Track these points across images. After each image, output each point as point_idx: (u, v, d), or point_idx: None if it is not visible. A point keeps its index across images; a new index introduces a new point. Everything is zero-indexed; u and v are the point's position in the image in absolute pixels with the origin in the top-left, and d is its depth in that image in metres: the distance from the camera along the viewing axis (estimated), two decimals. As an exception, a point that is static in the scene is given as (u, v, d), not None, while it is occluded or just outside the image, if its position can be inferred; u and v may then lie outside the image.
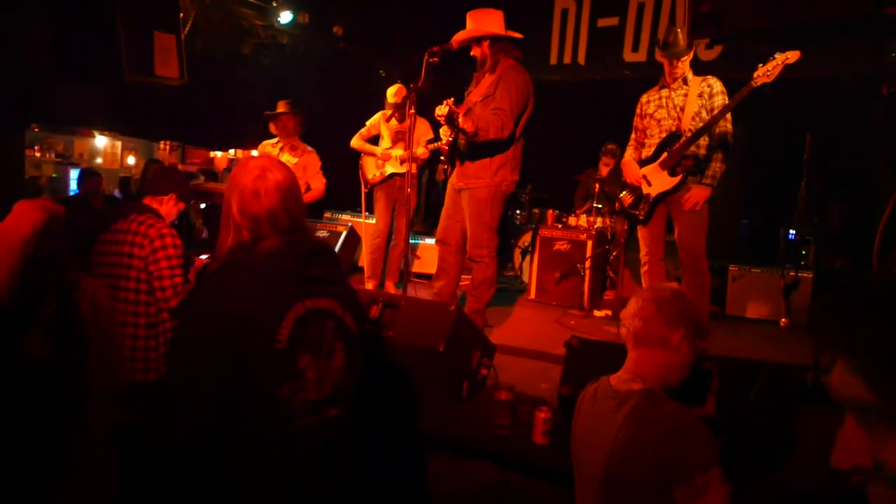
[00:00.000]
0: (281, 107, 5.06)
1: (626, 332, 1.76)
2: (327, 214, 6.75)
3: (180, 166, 8.81)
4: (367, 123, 5.39)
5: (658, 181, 3.80)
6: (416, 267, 6.13)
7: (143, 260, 2.55)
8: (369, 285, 5.21)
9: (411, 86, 3.74)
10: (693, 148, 3.70)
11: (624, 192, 3.99)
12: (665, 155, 3.77)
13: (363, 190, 5.40)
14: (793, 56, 3.24)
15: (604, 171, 6.46)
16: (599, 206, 5.93)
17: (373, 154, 5.30)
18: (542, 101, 3.99)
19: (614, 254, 5.61)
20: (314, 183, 5.16)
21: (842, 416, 0.75)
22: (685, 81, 3.79)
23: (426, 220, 8.13)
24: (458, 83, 4.36)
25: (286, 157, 5.08)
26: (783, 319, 4.84)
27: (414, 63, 3.96)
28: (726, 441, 1.93)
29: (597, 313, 5.24)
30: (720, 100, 3.68)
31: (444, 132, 3.95)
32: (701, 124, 3.66)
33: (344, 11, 7.17)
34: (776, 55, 3.28)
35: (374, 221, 5.49)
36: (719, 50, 5.99)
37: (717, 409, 2.23)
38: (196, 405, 1.42)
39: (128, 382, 2.51)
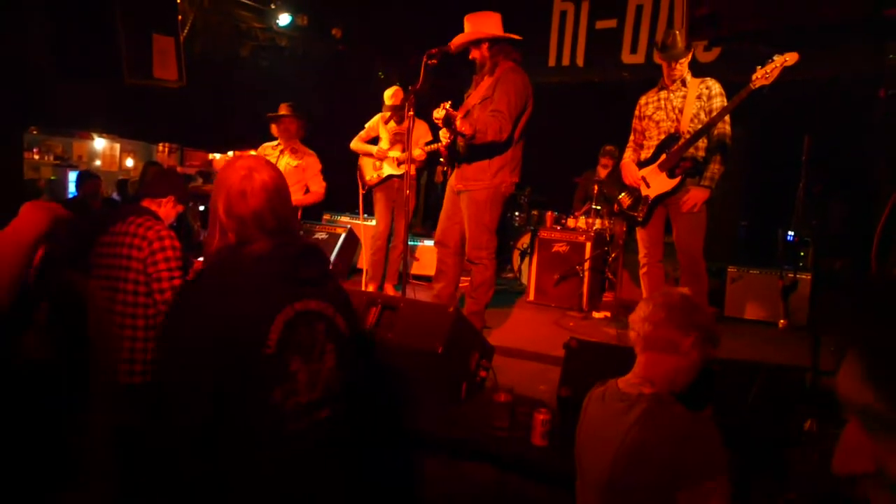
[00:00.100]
0: (284, 109, 5.06)
1: (636, 335, 1.75)
2: (326, 216, 6.76)
3: (179, 168, 8.81)
4: (367, 126, 5.40)
5: (657, 183, 3.80)
6: (415, 269, 6.13)
7: (142, 262, 2.55)
8: (370, 287, 5.21)
9: (410, 88, 3.74)
10: (692, 150, 3.71)
11: (622, 194, 4.00)
12: (664, 156, 3.77)
13: (361, 191, 5.40)
14: (791, 58, 3.25)
15: (602, 172, 6.47)
16: (598, 207, 5.94)
17: (370, 154, 5.30)
18: (541, 102, 3.99)
19: (613, 255, 5.61)
20: (313, 186, 5.16)
21: (843, 418, 0.74)
22: (684, 83, 3.80)
23: (425, 221, 8.14)
24: (458, 85, 4.36)
25: (287, 160, 5.08)
26: (782, 321, 4.84)
27: (412, 65, 3.97)
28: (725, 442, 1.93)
29: (595, 315, 5.24)
30: (719, 101, 3.69)
31: (444, 135, 3.96)
32: (699, 126, 3.67)
33: (342, 14, 7.18)
34: (775, 57, 3.28)
35: (373, 223, 5.49)
36: (718, 52, 6.01)
37: (715, 411, 2.23)
38: (184, 411, 1.40)
39: (127, 384, 2.51)
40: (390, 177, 5.22)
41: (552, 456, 2.40)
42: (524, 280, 6.21)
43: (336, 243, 6.08)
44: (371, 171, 5.32)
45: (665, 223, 3.93)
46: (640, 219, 3.90)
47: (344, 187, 5.71)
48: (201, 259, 3.02)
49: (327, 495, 1.60)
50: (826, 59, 5.22)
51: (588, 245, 5.50)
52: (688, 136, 3.69)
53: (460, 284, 4.28)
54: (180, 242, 2.68)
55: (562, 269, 5.52)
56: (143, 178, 7.16)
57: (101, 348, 2.37)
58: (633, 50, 6.68)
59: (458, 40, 3.83)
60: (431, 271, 6.17)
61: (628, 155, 4.06)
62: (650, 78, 4.16)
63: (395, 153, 5.20)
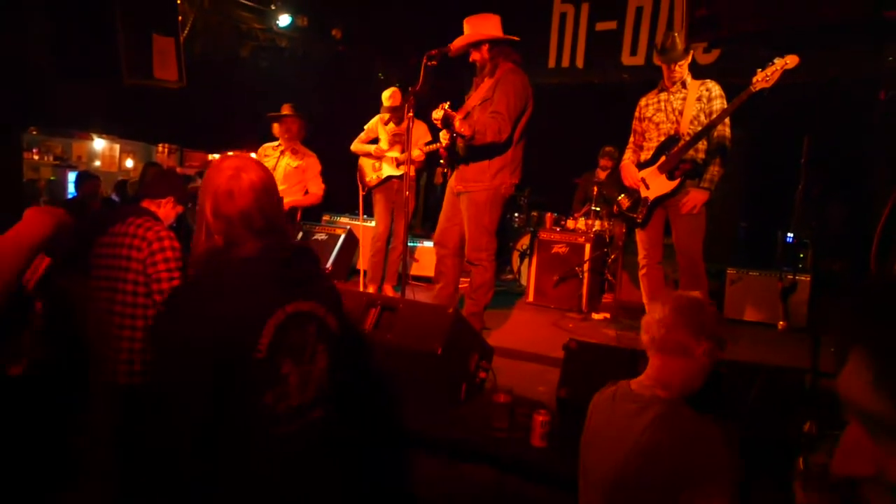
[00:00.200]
0: (286, 109, 5.06)
1: (648, 338, 1.74)
2: (326, 217, 6.76)
3: (179, 169, 8.80)
4: (366, 127, 5.40)
5: (656, 184, 3.80)
6: (415, 270, 6.14)
7: (141, 262, 2.55)
8: (369, 288, 5.21)
9: (410, 89, 3.74)
10: (691, 152, 3.71)
11: (622, 196, 4.00)
12: (663, 158, 3.78)
13: (361, 192, 5.40)
14: (791, 61, 3.25)
15: (601, 174, 6.48)
16: (598, 209, 5.95)
17: (369, 154, 5.31)
18: (541, 104, 3.99)
19: (612, 257, 5.62)
20: (312, 187, 5.16)
21: (843, 420, 0.73)
22: (684, 85, 3.80)
23: (424, 223, 8.14)
24: (458, 86, 4.37)
25: (287, 161, 5.08)
26: (781, 322, 4.84)
27: (412, 66, 3.97)
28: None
29: (595, 316, 5.24)
30: (718, 104, 3.69)
31: (444, 136, 3.96)
32: (699, 128, 3.67)
33: (342, 15, 7.19)
34: (775, 60, 3.28)
35: (372, 225, 5.49)
36: (717, 53, 6.01)
37: (716, 413, 2.23)
38: (177, 416, 1.39)
39: (127, 384, 2.51)
40: (389, 178, 5.23)
41: (551, 457, 2.40)
42: (523, 281, 6.21)
43: (335, 244, 6.08)
44: (371, 173, 5.33)
45: (665, 225, 3.93)
46: (639, 220, 3.90)
47: (344, 188, 5.72)
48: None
49: (323, 496, 1.60)
50: (826, 61, 5.22)
51: (587, 246, 5.50)
52: (687, 138, 3.69)
53: (460, 286, 4.28)
54: (180, 243, 2.68)
55: (561, 271, 5.53)
56: (142, 179, 7.16)
57: (99, 350, 2.37)
58: (633, 51, 6.69)
59: (458, 42, 3.84)
60: (431, 272, 6.18)
61: (628, 156, 4.06)
62: (650, 79, 4.17)
63: (395, 153, 5.21)
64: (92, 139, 10.43)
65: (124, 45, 3.50)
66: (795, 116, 5.54)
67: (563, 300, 5.48)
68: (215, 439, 1.39)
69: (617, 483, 1.63)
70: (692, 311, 1.72)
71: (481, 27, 3.87)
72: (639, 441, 1.60)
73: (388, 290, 5.23)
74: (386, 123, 5.29)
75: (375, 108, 5.41)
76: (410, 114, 3.76)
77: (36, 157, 9.66)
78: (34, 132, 9.42)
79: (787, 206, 5.39)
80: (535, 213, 6.80)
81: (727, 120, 3.67)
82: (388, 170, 5.22)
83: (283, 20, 6.72)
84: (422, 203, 8.44)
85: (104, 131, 9.70)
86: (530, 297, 5.69)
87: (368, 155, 5.31)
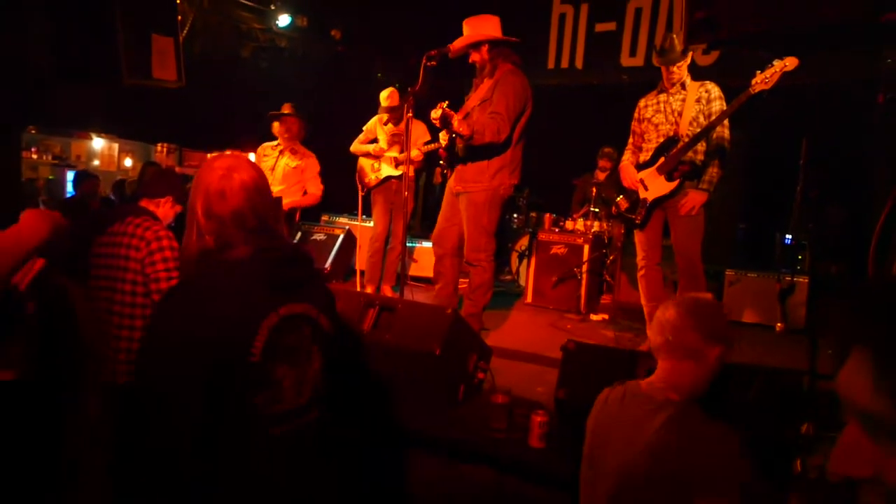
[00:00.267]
0: (287, 108, 5.06)
1: (661, 340, 1.72)
2: (325, 217, 6.76)
3: (177, 169, 8.79)
4: (365, 128, 5.40)
5: (655, 186, 3.80)
6: (413, 270, 6.14)
7: (140, 262, 2.55)
8: (367, 289, 5.21)
9: (409, 89, 3.75)
10: (690, 153, 3.71)
11: (621, 197, 4.00)
12: (662, 160, 3.78)
13: (360, 193, 5.40)
14: (791, 63, 3.25)
15: (600, 175, 6.48)
16: (596, 210, 5.95)
17: (368, 154, 5.30)
18: (540, 105, 3.99)
19: (611, 258, 5.62)
20: (311, 188, 5.16)
21: (841, 422, 0.73)
22: (683, 86, 3.80)
23: (423, 223, 8.14)
24: (457, 87, 4.36)
25: (286, 161, 5.08)
26: (779, 324, 4.85)
27: (412, 65, 3.97)
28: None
29: (593, 317, 5.24)
30: (718, 105, 3.69)
31: (443, 137, 3.97)
32: (698, 129, 3.67)
33: (342, 15, 7.19)
34: (774, 62, 3.29)
35: (371, 225, 5.49)
36: (716, 55, 6.02)
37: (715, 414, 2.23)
38: (167, 420, 1.37)
39: (126, 384, 2.51)
40: (388, 178, 5.23)
41: (549, 458, 2.40)
42: (522, 282, 6.22)
43: (334, 244, 6.09)
44: (370, 173, 5.33)
45: (663, 226, 3.94)
46: (638, 221, 3.90)
47: (343, 189, 5.72)
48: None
49: (319, 497, 1.59)
50: (825, 63, 5.23)
51: (586, 247, 5.51)
52: (686, 140, 3.70)
53: (459, 286, 4.28)
54: (178, 242, 2.68)
55: (560, 272, 5.53)
56: (141, 179, 7.15)
57: (97, 350, 2.36)
58: (633, 53, 6.69)
59: (457, 44, 3.84)
60: (429, 273, 6.18)
61: (627, 157, 4.07)
62: (649, 81, 4.17)
63: (393, 154, 5.21)
64: (91, 138, 10.42)
65: (124, 45, 3.50)
66: (794, 118, 5.54)
67: (561, 301, 5.48)
68: (210, 442, 1.38)
69: (625, 483, 1.62)
70: (706, 314, 1.70)
71: (481, 28, 3.87)
72: (650, 443, 1.59)
73: (387, 291, 5.23)
74: (385, 124, 5.29)
75: (375, 108, 5.42)
76: (410, 114, 3.76)
77: (34, 157, 9.64)
78: (33, 131, 9.41)
79: (785, 208, 5.39)
80: (533, 214, 6.81)
81: (726, 121, 3.67)
82: (386, 170, 5.22)
83: (283, 20, 6.72)
84: (421, 203, 8.45)
85: (103, 131, 9.70)
86: (529, 298, 5.69)
87: (368, 155, 5.31)
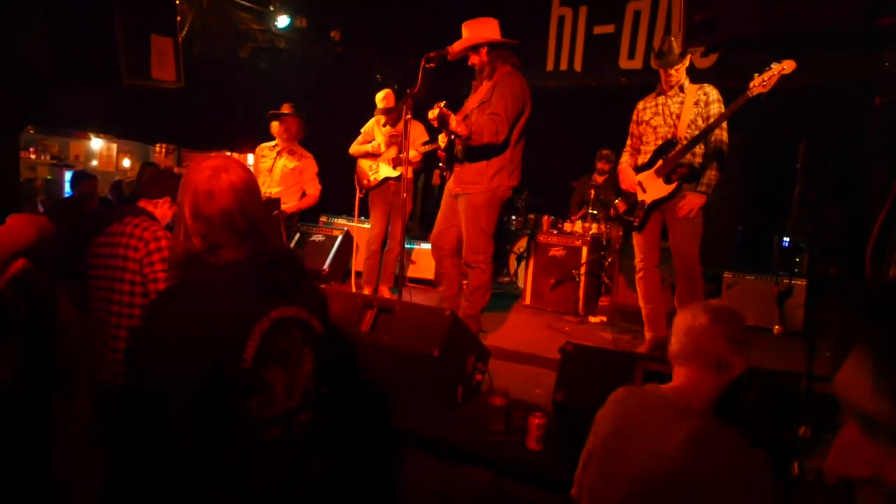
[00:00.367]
0: (287, 108, 5.05)
1: (681, 346, 1.68)
2: (323, 219, 6.75)
3: (176, 169, 8.79)
4: (363, 130, 5.40)
5: (653, 188, 3.81)
6: (412, 272, 6.14)
7: (138, 262, 2.55)
8: (365, 290, 5.21)
9: (408, 91, 3.75)
10: (689, 156, 3.72)
11: (619, 199, 4.01)
12: (660, 162, 3.78)
13: (358, 194, 5.40)
14: (789, 66, 3.26)
15: (598, 177, 6.49)
16: (595, 212, 5.95)
17: (367, 154, 5.30)
18: (539, 107, 4.00)
19: (609, 260, 5.63)
20: (309, 188, 5.16)
21: (839, 424, 0.72)
22: (682, 89, 3.81)
23: (422, 224, 8.14)
24: (456, 88, 4.36)
25: (284, 162, 5.08)
26: (776, 327, 4.86)
27: (411, 68, 3.98)
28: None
29: (592, 319, 5.25)
30: (716, 108, 3.70)
31: (442, 139, 3.97)
32: (697, 132, 3.68)
33: (341, 16, 7.19)
34: (772, 65, 3.30)
35: (368, 226, 5.49)
36: (715, 58, 6.03)
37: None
38: (158, 428, 1.35)
39: (122, 385, 2.50)
40: (386, 179, 5.22)
41: (547, 460, 2.40)
42: (520, 284, 6.22)
43: (333, 246, 6.08)
44: (368, 174, 5.33)
45: (661, 228, 3.94)
46: (636, 224, 3.91)
47: (341, 190, 5.72)
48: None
49: (312, 499, 1.59)
50: (822, 66, 5.24)
51: (584, 249, 5.51)
52: (685, 142, 3.70)
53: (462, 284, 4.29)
54: (177, 243, 2.68)
55: (558, 274, 5.53)
56: (139, 179, 7.15)
57: (84, 354, 2.35)
58: (631, 55, 6.70)
59: (457, 46, 3.85)
60: (428, 274, 6.20)
61: (625, 160, 4.07)
62: (648, 83, 4.18)
63: (391, 154, 5.20)
64: (89, 139, 10.41)
65: (123, 46, 3.50)
66: (792, 121, 5.55)
67: (559, 303, 5.48)
68: (204, 448, 1.37)
69: (642, 489, 1.58)
70: (734, 323, 1.67)
71: (480, 31, 3.88)
72: (674, 451, 1.55)
73: (385, 292, 5.22)
74: (383, 126, 5.29)
75: (373, 110, 5.42)
76: (408, 116, 3.76)
77: (33, 157, 9.64)
78: (31, 131, 9.40)
79: (783, 211, 5.41)
80: (532, 216, 6.82)
81: (724, 124, 3.68)
82: (385, 171, 5.22)
83: (282, 21, 6.71)
84: (419, 205, 8.45)
85: (102, 131, 9.69)
86: (527, 300, 5.69)
87: (367, 155, 5.30)
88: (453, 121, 3.67)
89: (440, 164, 4.16)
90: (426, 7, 6.80)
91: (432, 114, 3.69)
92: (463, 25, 3.92)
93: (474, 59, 3.93)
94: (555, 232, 5.90)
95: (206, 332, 1.37)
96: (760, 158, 6.53)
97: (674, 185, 3.74)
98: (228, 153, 6.63)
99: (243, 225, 1.50)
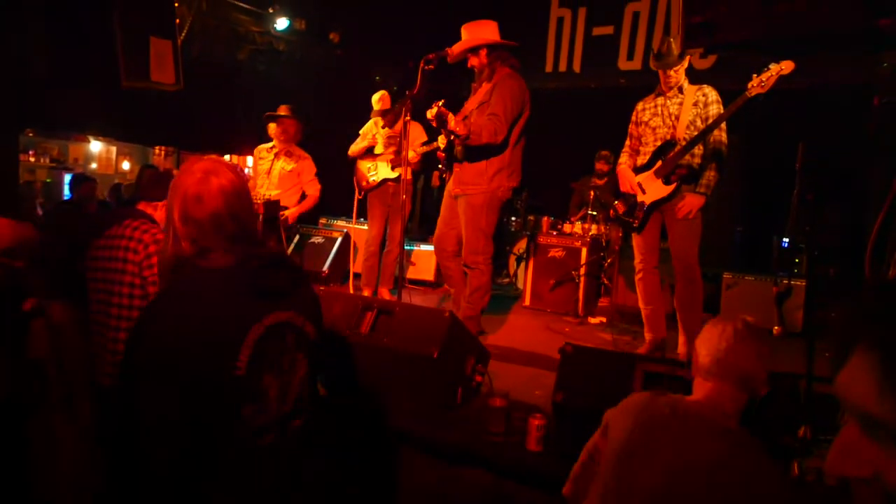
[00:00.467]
0: (283, 110, 5.04)
1: (712, 362, 1.65)
2: (322, 220, 6.76)
3: (175, 172, 8.78)
4: (361, 132, 5.40)
5: (652, 189, 3.81)
6: (411, 273, 6.13)
7: (138, 265, 2.55)
8: (365, 292, 5.21)
9: (407, 93, 3.75)
10: (688, 157, 3.72)
11: (618, 200, 4.01)
12: (660, 163, 3.79)
13: (357, 196, 5.40)
14: (787, 67, 3.26)
15: (597, 178, 6.50)
16: (594, 213, 5.96)
17: (366, 154, 5.29)
18: (538, 108, 4.00)
19: (609, 261, 5.63)
20: (309, 189, 5.16)
21: (838, 425, 0.72)
22: (681, 90, 3.81)
23: (421, 226, 8.14)
24: (455, 89, 4.37)
25: (282, 164, 5.08)
26: (776, 328, 4.86)
27: (411, 68, 3.98)
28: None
29: (591, 320, 5.25)
30: (715, 109, 3.70)
31: (442, 140, 3.97)
32: (696, 133, 3.68)
33: (340, 18, 7.19)
34: (770, 66, 3.30)
35: (365, 228, 5.49)
36: (714, 59, 6.04)
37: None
38: (150, 440, 1.34)
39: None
40: (385, 181, 5.22)
41: (547, 461, 2.40)
42: (520, 285, 6.22)
43: (332, 247, 6.09)
44: (367, 175, 5.33)
45: (661, 229, 3.94)
46: (635, 225, 3.91)
47: (341, 191, 5.72)
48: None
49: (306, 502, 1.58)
50: (822, 67, 5.25)
51: (584, 250, 5.51)
52: (684, 143, 3.70)
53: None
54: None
55: (558, 275, 5.53)
56: (138, 181, 7.15)
57: (87, 360, 2.35)
58: (630, 56, 6.71)
59: (456, 48, 3.86)
60: (427, 276, 6.20)
61: (623, 160, 4.07)
62: (647, 84, 4.18)
63: (390, 156, 5.20)
64: (89, 141, 10.42)
65: (122, 48, 3.50)
66: (791, 122, 5.56)
67: (559, 304, 5.48)
68: (198, 456, 1.36)
69: (678, 496, 1.54)
70: (767, 343, 1.66)
71: (479, 33, 3.89)
72: (704, 467, 1.52)
73: (385, 294, 5.22)
74: (383, 127, 5.29)
75: (371, 111, 5.42)
76: (407, 117, 3.76)
77: (32, 160, 9.64)
78: (31, 134, 9.40)
79: (782, 211, 5.40)
80: (531, 217, 6.82)
81: (723, 125, 3.68)
82: (383, 172, 5.22)
83: (281, 23, 6.72)
84: (418, 206, 8.44)
85: (101, 133, 9.69)
86: (527, 301, 5.69)
87: (366, 155, 5.29)
88: (452, 120, 3.67)
89: (440, 166, 4.16)
90: (425, 9, 6.81)
91: (430, 113, 3.69)
92: (462, 28, 3.93)
93: (473, 61, 3.94)
94: (554, 233, 5.90)
95: (199, 340, 1.36)
96: (759, 159, 6.54)
97: (673, 186, 3.74)
98: (228, 155, 6.64)
99: (233, 228, 1.49)
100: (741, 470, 1.51)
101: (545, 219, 6.23)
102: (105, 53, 3.90)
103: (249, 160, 5.86)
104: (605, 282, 5.67)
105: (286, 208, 5.01)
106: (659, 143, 3.83)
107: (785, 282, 4.88)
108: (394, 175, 5.13)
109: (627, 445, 1.67)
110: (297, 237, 6.12)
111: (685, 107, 3.76)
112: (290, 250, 5.64)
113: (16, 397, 1.91)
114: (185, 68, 4.02)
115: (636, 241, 3.99)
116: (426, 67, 3.64)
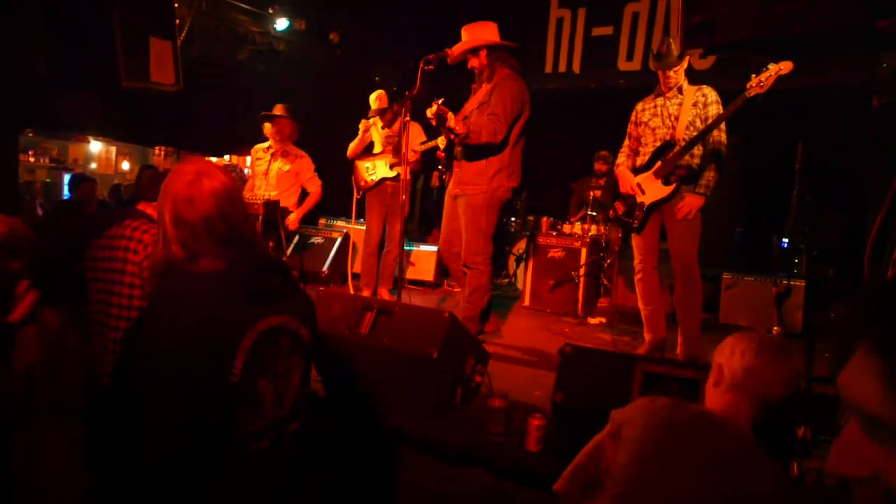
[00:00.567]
0: (279, 110, 5.03)
1: (735, 377, 1.64)
2: (322, 221, 6.76)
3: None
4: (360, 132, 5.39)
5: (652, 190, 3.81)
6: (410, 273, 6.13)
7: (137, 265, 2.54)
8: (364, 292, 5.21)
9: (406, 93, 3.75)
10: (687, 157, 3.72)
11: (618, 201, 4.01)
12: (659, 164, 3.79)
13: (355, 196, 5.39)
14: (786, 67, 3.27)
15: (596, 179, 6.51)
16: (594, 213, 5.96)
17: (365, 153, 5.28)
18: (538, 109, 4.01)
19: (608, 261, 5.63)
20: (310, 187, 5.16)
21: (838, 426, 0.72)
22: (680, 90, 3.81)
23: (421, 226, 8.14)
24: (455, 90, 4.37)
25: (279, 165, 5.07)
26: (775, 328, 4.86)
27: (411, 68, 3.98)
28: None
29: (591, 321, 5.25)
30: (714, 109, 3.70)
31: (442, 140, 3.98)
32: (695, 133, 3.69)
33: (340, 18, 7.20)
34: (769, 66, 3.30)
35: (363, 228, 5.49)
36: (713, 59, 6.04)
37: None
38: (148, 447, 1.34)
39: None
40: (383, 180, 5.21)
41: (547, 461, 2.40)
42: (520, 285, 6.22)
43: (332, 248, 6.09)
44: (365, 175, 5.32)
45: (660, 230, 3.94)
46: (635, 225, 3.91)
47: (340, 192, 5.72)
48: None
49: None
50: (820, 67, 5.26)
51: (583, 251, 5.51)
52: (683, 144, 3.71)
53: (454, 290, 4.29)
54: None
55: (557, 275, 5.53)
56: (138, 182, 7.15)
57: (84, 365, 2.34)
58: (630, 57, 6.71)
59: (456, 49, 3.86)
60: (427, 276, 6.20)
61: (623, 161, 4.07)
62: (646, 85, 4.18)
63: (389, 156, 5.20)
64: (88, 141, 10.42)
65: (122, 49, 3.50)
66: (791, 122, 5.56)
67: (559, 304, 5.48)
68: (194, 462, 1.36)
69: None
70: (790, 365, 1.64)
71: (479, 34, 3.90)
72: (724, 481, 1.49)
73: (384, 294, 5.22)
74: (383, 127, 5.29)
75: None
76: (407, 117, 3.76)
77: (32, 160, 9.64)
78: (30, 134, 9.40)
79: (782, 212, 5.40)
80: (531, 218, 6.82)
81: (723, 125, 3.68)
82: (382, 172, 5.21)
83: (281, 24, 6.72)
84: (417, 206, 8.44)
85: (101, 134, 9.69)
86: (526, 302, 5.69)
87: (365, 153, 5.29)
88: (451, 118, 3.68)
89: (440, 167, 4.17)
90: (425, 9, 6.82)
91: (430, 111, 3.70)
92: (462, 29, 3.93)
93: (473, 62, 3.94)
94: (554, 233, 5.90)
95: (196, 344, 1.35)
96: (759, 159, 6.55)
97: (672, 187, 3.74)
98: (228, 156, 6.63)
99: (224, 231, 1.47)
100: (741, 470, 1.51)
101: (545, 219, 6.24)
102: (105, 53, 3.91)
103: (249, 160, 5.86)
104: (605, 282, 5.67)
105: (285, 209, 5.01)
106: (658, 144, 3.83)
107: (784, 282, 4.88)
108: (392, 174, 5.13)
109: (643, 454, 1.62)
110: (297, 237, 6.12)
111: (685, 107, 3.77)
112: (289, 251, 5.63)
113: None
114: (184, 68, 4.02)
115: (636, 241, 4.00)
116: (426, 68, 3.64)
